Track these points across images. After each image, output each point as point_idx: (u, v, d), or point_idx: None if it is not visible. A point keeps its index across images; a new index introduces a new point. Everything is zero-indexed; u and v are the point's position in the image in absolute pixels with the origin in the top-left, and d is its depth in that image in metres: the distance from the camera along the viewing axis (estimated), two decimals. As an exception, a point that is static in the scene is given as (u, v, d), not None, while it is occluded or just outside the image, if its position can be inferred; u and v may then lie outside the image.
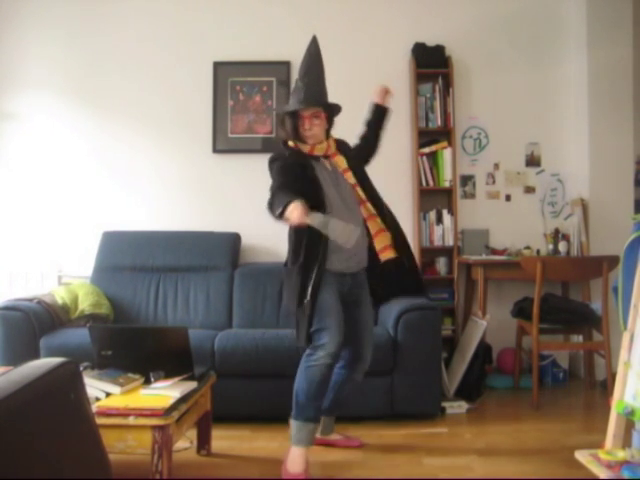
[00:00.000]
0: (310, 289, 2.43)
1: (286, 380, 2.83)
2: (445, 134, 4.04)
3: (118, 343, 2.55)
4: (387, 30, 4.17)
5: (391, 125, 4.12)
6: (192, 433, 2.67)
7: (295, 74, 4.00)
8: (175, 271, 3.77)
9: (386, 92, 2.84)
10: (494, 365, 3.95)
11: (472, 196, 4.20)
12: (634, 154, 4.07)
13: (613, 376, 2.51)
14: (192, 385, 2.39)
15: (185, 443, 2.67)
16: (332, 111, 2.63)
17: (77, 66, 4.14)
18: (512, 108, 4.19)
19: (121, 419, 2.10)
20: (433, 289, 4.01)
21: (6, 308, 3.16)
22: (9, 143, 4.14)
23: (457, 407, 3.31)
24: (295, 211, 2.22)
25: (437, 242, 4.02)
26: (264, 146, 4.05)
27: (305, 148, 2.58)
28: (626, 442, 2.01)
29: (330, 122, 2.65)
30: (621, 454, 1.91)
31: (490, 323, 3.57)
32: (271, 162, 2.62)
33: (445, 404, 3.28)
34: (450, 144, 4.00)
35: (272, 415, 3.07)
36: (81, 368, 2.31)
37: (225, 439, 2.84)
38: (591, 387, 3.80)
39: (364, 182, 2.65)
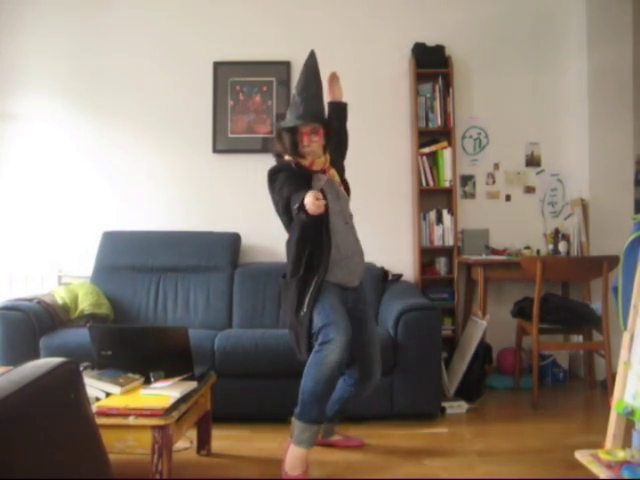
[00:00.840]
0: (308, 299, 2.41)
1: (286, 380, 2.84)
2: (445, 134, 4.04)
3: (118, 343, 2.55)
4: (387, 30, 4.17)
5: (391, 125, 4.16)
6: (192, 433, 2.67)
7: (295, 74, 4.04)
8: (175, 271, 3.77)
9: (333, 77, 2.75)
10: (494, 365, 3.95)
11: (472, 196, 4.20)
12: (634, 154, 4.07)
13: (613, 376, 2.51)
14: (192, 385, 2.39)
15: (185, 443, 2.67)
16: (330, 127, 2.62)
17: (77, 68, 4.14)
18: (512, 108, 4.19)
19: (121, 419, 2.10)
20: (433, 289, 4.02)
21: (6, 308, 3.16)
22: (10, 145, 4.14)
23: (457, 407, 3.31)
24: (309, 197, 2.19)
25: (437, 242, 4.02)
26: (264, 146, 4.04)
27: (304, 162, 2.58)
28: (626, 442, 2.01)
29: (328, 138, 2.62)
30: (621, 454, 1.91)
31: (490, 323, 3.57)
32: (274, 173, 2.58)
33: (445, 404, 3.28)
34: (450, 144, 4.00)
35: (272, 415, 3.08)
36: (81, 368, 2.31)
37: (225, 439, 2.84)
38: (591, 387, 3.80)
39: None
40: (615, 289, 2.26)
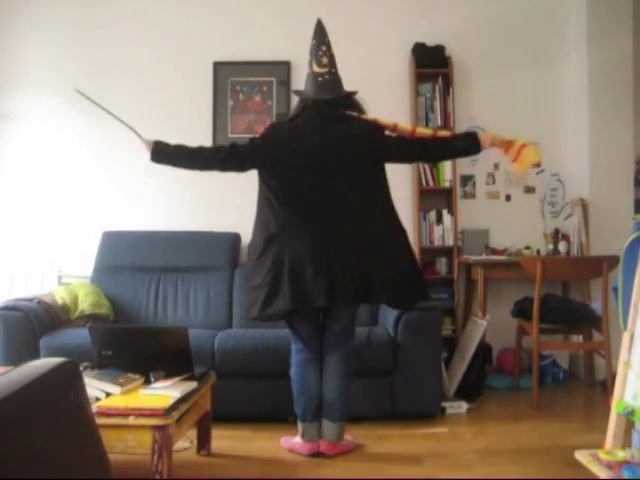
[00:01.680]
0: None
1: (286, 380, 2.84)
2: (445, 134, 4.04)
3: (118, 343, 2.55)
4: (387, 30, 4.17)
5: (391, 125, 4.15)
6: (192, 433, 2.67)
7: (295, 74, 4.05)
8: (175, 271, 3.77)
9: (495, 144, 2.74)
10: (494, 365, 3.95)
11: (472, 196, 4.20)
12: (634, 154, 4.07)
13: (613, 376, 2.51)
14: (192, 385, 2.38)
15: (185, 443, 2.67)
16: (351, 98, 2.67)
17: (77, 67, 4.14)
18: (512, 108, 4.19)
19: (121, 419, 2.10)
20: (433, 289, 4.01)
21: (6, 308, 3.16)
22: (9, 143, 4.14)
23: (457, 407, 3.31)
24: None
25: (437, 242, 4.02)
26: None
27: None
28: (626, 442, 2.01)
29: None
30: (621, 454, 1.91)
31: (490, 323, 3.57)
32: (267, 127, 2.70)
33: (445, 404, 3.28)
34: (450, 144, 4.00)
35: (272, 415, 3.08)
36: (81, 368, 2.31)
37: (225, 439, 2.84)
38: (591, 387, 3.80)
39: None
40: (615, 289, 2.26)
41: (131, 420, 2.09)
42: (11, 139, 4.14)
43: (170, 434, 2.13)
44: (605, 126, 3.99)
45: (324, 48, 2.59)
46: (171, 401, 2.19)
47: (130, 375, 2.40)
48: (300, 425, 2.67)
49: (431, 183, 4.00)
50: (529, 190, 4.21)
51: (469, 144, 2.73)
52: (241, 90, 4.13)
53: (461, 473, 2.48)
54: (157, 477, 2.10)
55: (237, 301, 3.68)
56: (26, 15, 4.14)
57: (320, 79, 2.58)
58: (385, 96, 4.14)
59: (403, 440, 2.87)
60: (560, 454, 2.58)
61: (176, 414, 2.16)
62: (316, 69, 2.58)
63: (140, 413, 2.10)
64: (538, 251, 4.05)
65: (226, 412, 2.97)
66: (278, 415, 3.09)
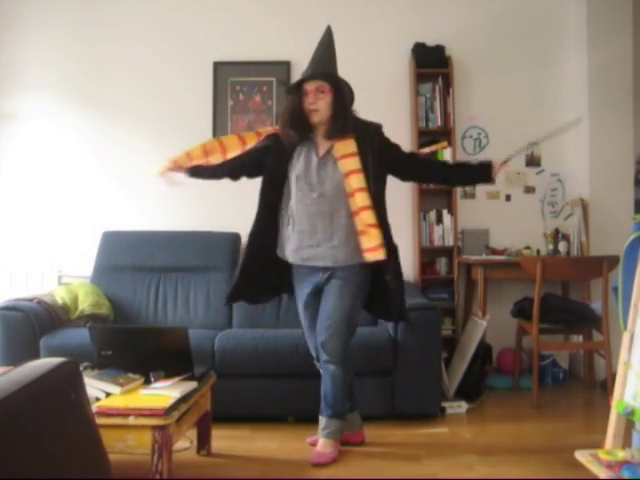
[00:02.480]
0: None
1: (286, 380, 2.85)
2: (445, 134, 4.04)
3: (118, 343, 2.55)
4: (387, 30, 4.17)
5: (391, 125, 4.13)
6: (192, 433, 2.66)
7: (295, 74, 4.04)
8: (175, 271, 3.77)
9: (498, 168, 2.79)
10: (494, 365, 3.95)
11: (472, 196, 4.20)
12: (634, 154, 4.07)
13: (613, 376, 2.51)
14: (192, 385, 2.38)
15: (185, 443, 2.67)
16: (339, 86, 2.55)
17: (77, 67, 4.14)
18: (512, 108, 4.19)
19: (121, 419, 2.10)
20: (433, 289, 4.02)
21: (6, 308, 3.16)
22: (9, 143, 4.14)
23: (457, 407, 3.31)
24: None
25: (437, 242, 4.02)
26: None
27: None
28: (626, 442, 2.01)
29: (338, 100, 2.55)
30: (621, 454, 1.91)
31: (490, 323, 3.57)
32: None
33: (445, 404, 3.28)
34: (450, 144, 4.00)
35: (272, 415, 3.08)
36: (81, 368, 2.31)
37: (225, 439, 2.84)
38: (591, 387, 3.80)
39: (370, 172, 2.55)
40: (615, 289, 2.26)
41: (131, 420, 2.09)
42: (11, 139, 4.14)
43: (170, 434, 2.13)
44: (605, 126, 3.99)
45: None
46: (171, 401, 2.19)
47: (130, 375, 2.40)
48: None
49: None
50: (529, 190, 4.21)
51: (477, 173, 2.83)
52: (241, 90, 4.13)
53: (461, 473, 2.48)
54: (157, 477, 2.10)
55: (237, 301, 3.69)
56: (26, 15, 4.14)
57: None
58: (385, 96, 4.15)
59: (403, 440, 2.87)
60: (560, 454, 2.58)
61: (176, 414, 2.16)
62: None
63: (140, 413, 2.10)
64: (538, 251, 4.05)
65: (226, 412, 2.97)
66: (278, 415, 3.09)
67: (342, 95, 2.56)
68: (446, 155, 3.98)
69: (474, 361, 3.46)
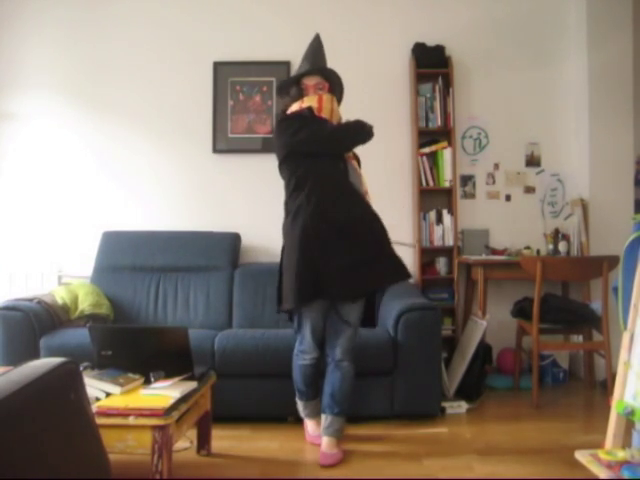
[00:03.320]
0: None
1: (286, 380, 2.84)
2: (445, 134, 4.04)
3: (118, 343, 2.55)
4: (387, 30, 4.17)
5: (391, 125, 4.16)
6: (192, 433, 2.67)
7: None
8: (175, 271, 3.78)
9: None
10: (494, 365, 3.95)
11: (472, 196, 4.20)
12: (634, 154, 4.07)
13: (613, 376, 2.51)
14: (192, 385, 2.38)
15: (185, 443, 2.67)
16: (334, 86, 2.68)
17: (77, 67, 4.14)
18: (512, 108, 4.19)
19: (121, 419, 2.10)
20: (433, 289, 4.02)
21: (6, 308, 3.16)
22: (9, 143, 4.14)
23: (457, 407, 3.31)
24: None
25: (437, 242, 4.02)
26: (264, 146, 4.05)
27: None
28: (626, 442, 2.00)
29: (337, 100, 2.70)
30: (621, 454, 1.91)
31: (490, 323, 3.57)
32: (285, 119, 2.64)
33: (445, 404, 3.28)
34: (450, 144, 4.00)
35: (272, 415, 3.08)
36: (81, 368, 2.31)
37: (225, 439, 2.84)
38: (591, 387, 3.80)
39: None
40: (615, 289, 2.26)
41: (131, 420, 2.09)
42: (11, 139, 4.14)
43: (170, 434, 2.13)
44: (605, 126, 3.99)
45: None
46: (171, 401, 2.19)
47: (130, 375, 2.40)
48: None
49: (431, 183, 4.00)
50: (529, 190, 4.21)
51: None
52: (241, 90, 4.13)
53: (461, 473, 2.48)
54: (157, 477, 2.10)
55: (237, 301, 3.69)
56: (26, 15, 4.14)
57: None
58: (385, 96, 4.15)
59: (403, 440, 2.87)
60: (560, 454, 2.59)
61: (176, 414, 2.16)
62: None
63: (140, 413, 2.10)
64: (538, 251, 4.05)
65: (226, 412, 2.97)
66: (278, 415, 3.09)
67: (337, 94, 2.70)
68: (446, 155, 3.99)
69: (474, 361, 3.46)
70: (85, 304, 3.46)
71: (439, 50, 4.07)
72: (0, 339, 3.11)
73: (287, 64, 4.08)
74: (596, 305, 3.56)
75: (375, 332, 3.12)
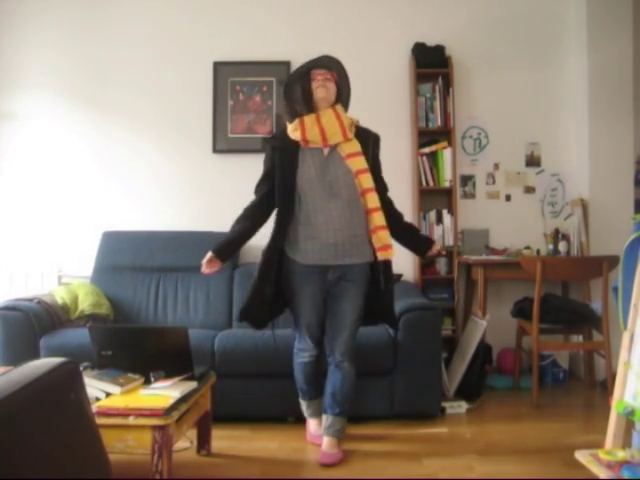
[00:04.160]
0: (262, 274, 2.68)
1: (286, 380, 2.84)
2: (445, 134, 4.04)
3: (118, 343, 2.55)
4: (387, 30, 4.17)
5: (391, 125, 4.16)
6: (192, 433, 2.67)
7: (295, 74, 4.04)
8: (175, 271, 3.78)
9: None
10: (494, 365, 3.95)
11: (472, 196, 4.20)
12: (634, 154, 4.07)
13: (613, 376, 2.51)
14: (192, 385, 2.39)
15: (185, 443, 2.67)
16: (341, 83, 2.66)
17: (77, 67, 4.14)
18: (512, 108, 4.19)
19: (121, 419, 2.10)
20: (433, 289, 4.02)
21: (6, 308, 3.16)
22: (9, 143, 4.14)
23: (457, 407, 3.31)
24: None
25: (437, 242, 4.01)
26: (264, 146, 4.04)
27: (296, 135, 2.61)
28: (626, 442, 2.00)
29: (344, 95, 2.69)
30: (621, 454, 1.91)
31: (490, 323, 3.57)
32: (265, 141, 2.80)
33: (445, 404, 3.28)
34: (450, 144, 4.00)
35: (272, 415, 3.08)
36: (81, 368, 2.31)
37: (225, 439, 2.84)
38: (591, 387, 3.80)
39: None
40: (615, 289, 2.26)
41: (131, 420, 2.09)
42: (11, 139, 4.14)
43: (170, 434, 2.13)
44: (605, 126, 3.99)
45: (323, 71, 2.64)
46: (171, 401, 2.19)
47: (130, 375, 2.40)
48: None
49: (431, 183, 4.00)
50: (529, 190, 4.21)
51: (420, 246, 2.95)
52: (241, 90, 4.13)
53: (461, 473, 2.48)
54: (157, 477, 2.10)
55: (237, 301, 3.69)
56: (26, 15, 4.14)
57: None
58: (385, 96, 4.15)
59: (403, 440, 2.87)
60: (560, 454, 2.59)
61: (176, 414, 2.16)
62: None
63: (140, 413, 2.11)
64: (538, 251, 4.05)
65: (226, 412, 2.97)
66: (278, 415, 3.09)
67: (344, 91, 2.69)
68: (446, 155, 3.99)
69: (474, 361, 3.46)
70: (85, 304, 3.46)
71: (439, 50, 4.07)
72: (0, 339, 3.11)
73: (287, 64, 4.08)
74: (596, 305, 3.56)
75: (375, 332, 3.12)
